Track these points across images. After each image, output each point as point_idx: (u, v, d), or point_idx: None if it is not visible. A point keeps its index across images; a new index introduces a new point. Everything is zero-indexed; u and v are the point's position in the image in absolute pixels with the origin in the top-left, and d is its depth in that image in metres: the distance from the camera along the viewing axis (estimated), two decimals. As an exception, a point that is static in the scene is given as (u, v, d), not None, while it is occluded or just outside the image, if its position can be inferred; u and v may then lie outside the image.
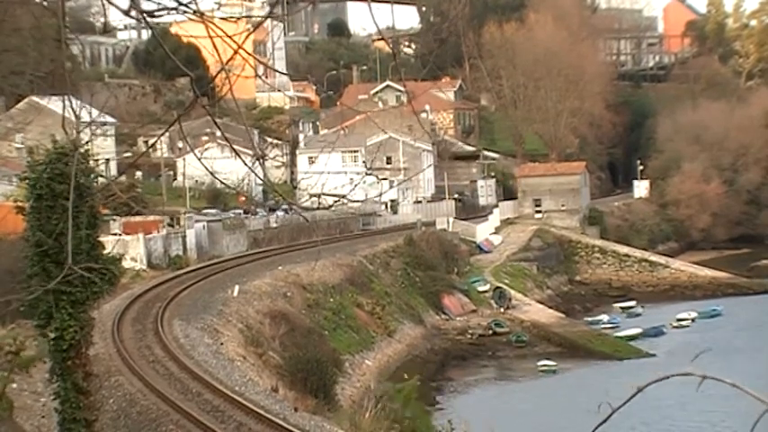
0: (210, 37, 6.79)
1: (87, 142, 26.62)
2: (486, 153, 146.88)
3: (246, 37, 6.85)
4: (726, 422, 54.32)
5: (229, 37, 6.58)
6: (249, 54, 7.09)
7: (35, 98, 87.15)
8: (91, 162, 27.68)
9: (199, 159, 51.01)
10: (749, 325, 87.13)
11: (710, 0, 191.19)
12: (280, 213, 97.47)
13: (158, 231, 79.01)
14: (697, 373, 4.15)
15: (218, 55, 6.73)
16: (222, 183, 66.39)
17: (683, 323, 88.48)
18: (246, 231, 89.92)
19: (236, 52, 6.46)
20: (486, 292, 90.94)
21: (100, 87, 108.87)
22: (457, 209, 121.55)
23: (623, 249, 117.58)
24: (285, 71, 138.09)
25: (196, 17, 6.97)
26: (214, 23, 6.78)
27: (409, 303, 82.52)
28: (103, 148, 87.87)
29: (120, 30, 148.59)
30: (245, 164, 7.34)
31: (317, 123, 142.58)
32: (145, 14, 6.78)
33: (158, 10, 6.85)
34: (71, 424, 28.22)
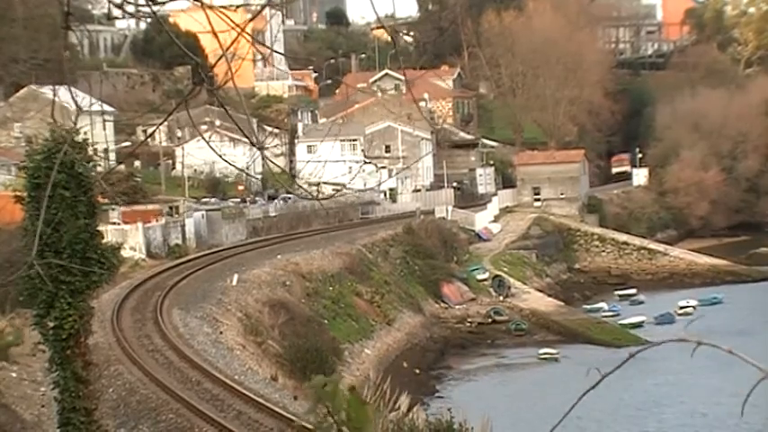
0: (213, 27, 6.74)
1: (86, 132, 26.60)
2: (484, 141, 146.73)
3: (246, 24, 6.81)
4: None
5: (232, 23, 6.53)
6: (251, 41, 7.05)
7: (34, 87, 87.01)
8: (89, 151, 27.54)
9: (207, 142, 51.05)
10: (750, 312, 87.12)
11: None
12: (279, 202, 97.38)
13: (157, 220, 78.97)
14: (692, 339, 4.17)
15: (219, 42, 6.68)
16: (229, 163, 66.32)
17: (687, 310, 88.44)
18: (245, 220, 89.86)
19: (239, 35, 6.41)
20: (485, 280, 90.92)
21: (99, 76, 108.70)
22: (456, 197, 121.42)
23: (622, 237, 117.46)
24: (285, 59, 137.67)
25: (196, 4, 6.92)
26: (215, 10, 6.74)
27: (408, 292, 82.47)
28: (102, 137, 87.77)
29: (118, 18, 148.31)
30: (253, 144, 7.27)
31: (316, 112, 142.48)
32: (147, 1, 6.73)
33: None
34: (71, 413, 28.20)
